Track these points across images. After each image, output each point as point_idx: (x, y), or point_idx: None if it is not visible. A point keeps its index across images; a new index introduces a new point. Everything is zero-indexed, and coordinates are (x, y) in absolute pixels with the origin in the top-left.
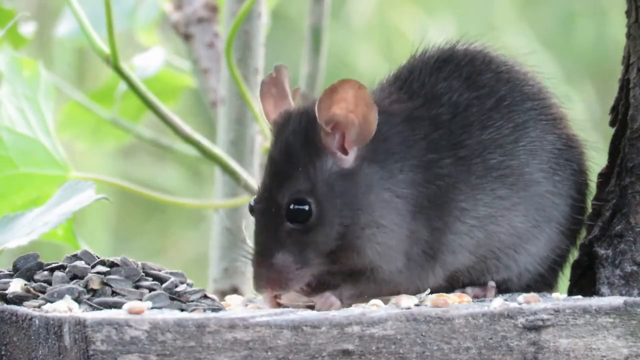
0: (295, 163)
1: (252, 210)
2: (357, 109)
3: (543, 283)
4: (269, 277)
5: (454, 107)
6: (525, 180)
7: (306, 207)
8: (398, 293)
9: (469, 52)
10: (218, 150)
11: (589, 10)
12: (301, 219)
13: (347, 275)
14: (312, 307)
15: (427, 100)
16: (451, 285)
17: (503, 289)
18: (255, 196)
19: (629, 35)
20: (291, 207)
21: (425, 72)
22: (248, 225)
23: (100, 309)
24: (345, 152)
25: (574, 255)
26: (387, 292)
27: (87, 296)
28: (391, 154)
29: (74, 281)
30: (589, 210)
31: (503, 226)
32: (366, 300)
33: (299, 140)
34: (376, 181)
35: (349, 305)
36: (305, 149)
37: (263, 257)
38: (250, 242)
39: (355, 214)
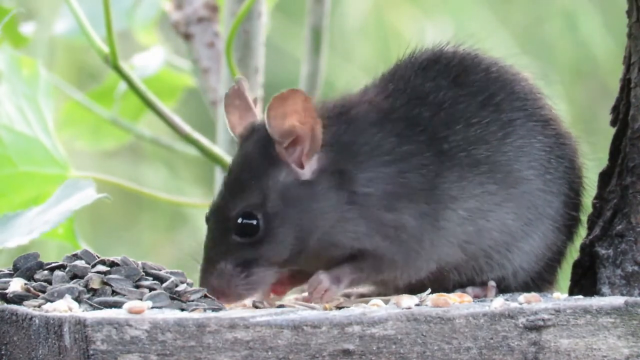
0: (250, 175)
1: (207, 221)
2: (306, 121)
3: (542, 280)
4: (213, 285)
5: (438, 104)
6: (515, 177)
7: (254, 222)
8: (393, 281)
9: (458, 53)
10: (218, 150)
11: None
12: (248, 233)
13: (344, 260)
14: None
15: (410, 99)
16: (442, 284)
17: (501, 287)
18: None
19: (630, 35)
20: (239, 221)
21: (411, 72)
22: None
23: (101, 309)
24: (301, 165)
25: (573, 251)
26: (386, 276)
27: (87, 296)
28: (353, 157)
29: (74, 281)
30: (586, 206)
31: (493, 222)
32: (360, 294)
33: (258, 152)
34: (333, 188)
35: (347, 287)
36: (261, 161)
37: (208, 266)
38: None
39: (313, 223)
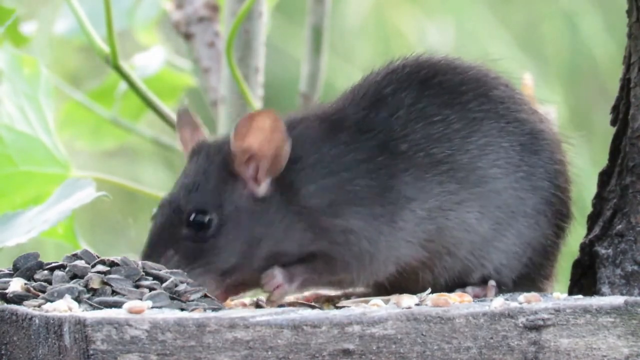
0: (207, 179)
1: (154, 217)
2: (271, 141)
3: (537, 274)
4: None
5: (397, 104)
6: (478, 175)
7: (206, 219)
8: (351, 283)
9: (432, 59)
10: None
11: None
12: (199, 228)
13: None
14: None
15: (368, 104)
16: (418, 285)
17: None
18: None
19: (630, 35)
20: (192, 215)
21: (379, 77)
22: None
23: (101, 309)
24: (257, 181)
25: (573, 251)
26: (341, 278)
27: (87, 295)
28: (298, 173)
29: (74, 280)
30: (586, 205)
31: (454, 221)
32: (357, 295)
33: (215, 164)
34: (285, 205)
35: (299, 290)
36: (220, 172)
37: (152, 250)
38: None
39: (262, 235)
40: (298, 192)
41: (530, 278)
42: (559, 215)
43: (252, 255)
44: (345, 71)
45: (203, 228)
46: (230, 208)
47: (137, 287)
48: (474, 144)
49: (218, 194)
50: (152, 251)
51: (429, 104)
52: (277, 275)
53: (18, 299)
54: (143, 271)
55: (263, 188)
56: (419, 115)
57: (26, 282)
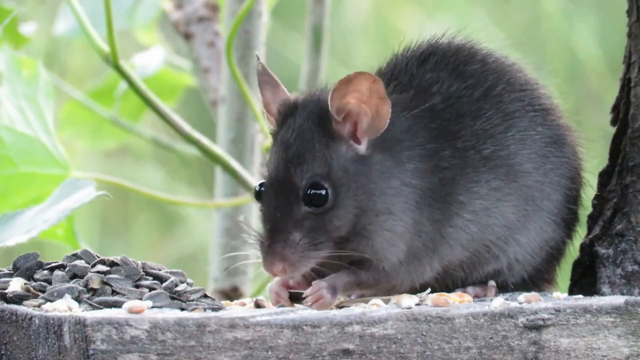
0: (310, 147)
1: (258, 195)
2: (370, 101)
3: (539, 278)
4: (283, 255)
5: (445, 97)
6: (515, 170)
7: (323, 192)
8: (392, 288)
9: (453, 44)
10: (218, 149)
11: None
12: (318, 202)
13: (345, 265)
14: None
15: (418, 92)
16: (444, 281)
17: (498, 282)
18: (262, 180)
19: (630, 35)
20: (309, 191)
21: (411, 65)
22: (246, 220)
23: (100, 308)
24: (357, 140)
25: (573, 250)
26: (383, 286)
27: (87, 295)
28: (399, 142)
29: (74, 280)
30: (586, 205)
31: (496, 218)
32: (361, 294)
33: (313, 126)
34: (387, 169)
35: (343, 295)
36: (320, 135)
37: (278, 235)
38: (253, 232)
39: (369, 200)
40: (400, 162)
41: (537, 280)
42: (573, 215)
43: (356, 222)
44: (345, 71)
45: (321, 202)
46: (339, 172)
47: (137, 286)
48: (512, 139)
49: (325, 160)
50: (275, 238)
51: (469, 98)
52: (323, 287)
53: (18, 299)
54: (143, 271)
55: (362, 147)
56: (465, 111)
57: (26, 282)
